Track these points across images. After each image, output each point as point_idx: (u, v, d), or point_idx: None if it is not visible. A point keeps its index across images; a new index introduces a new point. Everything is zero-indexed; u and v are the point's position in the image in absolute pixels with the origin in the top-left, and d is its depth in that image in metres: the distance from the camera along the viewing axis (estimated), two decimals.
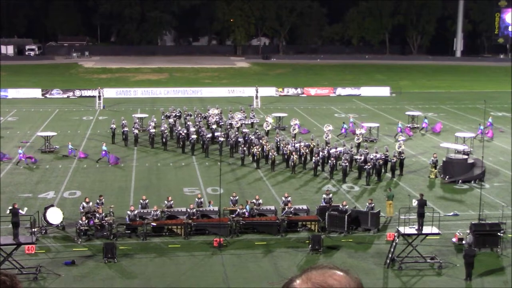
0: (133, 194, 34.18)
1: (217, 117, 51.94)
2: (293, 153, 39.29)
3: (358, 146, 43.25)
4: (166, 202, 30.11)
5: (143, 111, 57.63)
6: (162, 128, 45.98)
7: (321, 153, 39.20)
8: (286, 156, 40.26)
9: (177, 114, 53.26)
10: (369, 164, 37.21)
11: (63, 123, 54.67)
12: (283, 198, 30.93)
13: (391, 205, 30.88)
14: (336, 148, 40.81)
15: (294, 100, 69.00)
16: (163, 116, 52.27)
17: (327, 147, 41.05)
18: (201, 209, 29.78)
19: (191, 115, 52.77)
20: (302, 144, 41.27)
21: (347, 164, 37.41)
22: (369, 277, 24.03)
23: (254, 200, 30.52)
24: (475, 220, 28.34)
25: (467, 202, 33.79)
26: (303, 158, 40.09)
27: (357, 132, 46.03)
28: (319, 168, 38.79)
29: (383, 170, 38.11)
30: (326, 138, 44.75)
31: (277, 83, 79.19)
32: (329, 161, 38.16)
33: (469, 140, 44.89)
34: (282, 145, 42.20)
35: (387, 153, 38.94)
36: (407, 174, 38.75)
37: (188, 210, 29.07)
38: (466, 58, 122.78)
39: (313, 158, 39.09)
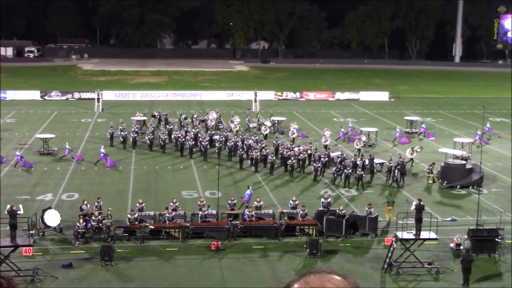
0: (131, 197, 34.16)
1: (216, 120, 52.07)
2: (292, 157, 39.24)
3: (359, 151, 42.88)
4: (171, 204, 30.05)
5: (148, 114, 57.34)
6: (161, 132, 46.05)
7: (322, 159, 39.05)
8: (285, 160, 40.20)
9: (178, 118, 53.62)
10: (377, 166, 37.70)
11: (61, 125, 54.65)
12: (291, 202, 30.91)
13: (390, 210, 30.84)
14: (343, 154, 40.49)
15: (293, 104, 69.04)
16: (162, 119, 52.35)
17: (326, 151, 40.97)
18: (201, 212, 29.52)
19: (186, 118, 52.79)
20: (301, 148, 41.21)
21: (350, 170, 37.17)
22: (366, 282, 24.02)
23: (255, 202, 30.52)
24: (473, 225, 28.35)
25: (465, 207, 33.79)
26: (301, 162, 40.04)
27: (363, 139, 45.91)
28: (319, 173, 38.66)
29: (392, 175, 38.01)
30: (324, 142, 44.75)
31: (276, 87, 79.23)
32: (339, 167, 37.83)
33: (467, 145, 44.97)
34: (281, 148, 42.14)
35: (400, 160, 38.12)
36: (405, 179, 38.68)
37: (167, 214, 28.91)
38: (465, 64, 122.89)
39: (314, 164, 38.84)
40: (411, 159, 41.58)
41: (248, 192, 32.18)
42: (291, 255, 26.82)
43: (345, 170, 37.05)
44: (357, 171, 36.67)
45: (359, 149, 43.27)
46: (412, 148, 42.39)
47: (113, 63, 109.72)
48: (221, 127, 49.99)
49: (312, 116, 61.57)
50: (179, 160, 42.91)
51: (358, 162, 38.04)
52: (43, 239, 27.83)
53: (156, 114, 54.02)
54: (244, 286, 23.69)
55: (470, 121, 58.89)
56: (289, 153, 40.11)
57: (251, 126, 51.85)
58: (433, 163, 39.13)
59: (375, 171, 39.08)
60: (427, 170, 38.68)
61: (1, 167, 40.01)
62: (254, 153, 40.46)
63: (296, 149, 41.09)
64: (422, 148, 43.93)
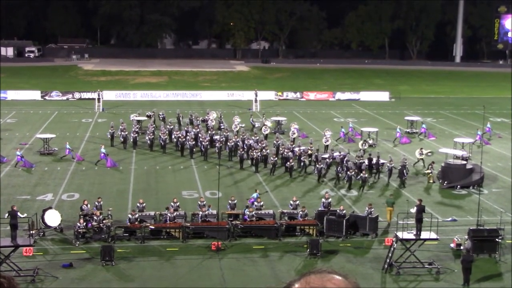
0: (131, 197, 34.15)
1: (218, 120, 52.11)
2: (290, 159, 38.91)
3: (364, 153, 42.52)
4: (172, 204, 30.02)
5: (142, 114, 57.47)
6: (161, 132, 46.06)
7: (327, 160, 38.88)
8: (285, 161, 40.07)
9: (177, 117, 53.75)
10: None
11: (62, 125, 54.66)
12: (291, 202, 30.87)
13: (391, 211, 30.65)
14: (347, 152, 40.30)
15: (293, 104, 69.03)
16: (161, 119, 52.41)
17: (331, 153, 40.68)
18: (201, 213, 29.39)
19: (183, 117, 52.82)
20: (302, 148, 41.14)
21: (352, 172, 36.68)
22: (367, 282, 24.01)
23: (256, 203, 30.50)
24: (473, 225, 28.34)
25: (465, 207, 33.79)
26: (302, 163, 39.94)
27: (369, 142, 45.48)
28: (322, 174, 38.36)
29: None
30: (325, 142, 44.65)
31: (277, 87, 79.24)
32: (342, 167, 37.74)
33: (467, 145, 44.95)
34: (281, 149, 42.03)
35: (405, 161, 38.17)
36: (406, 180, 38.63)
37: (168, 214, 28.84)
38: (466, 64, 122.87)
39: (317, 165, 38.37)
40: (421, 159, 41.39)
41: (254, 195, 32.15)
42: (292, 255, 26.81)
43: (348, 172, 36.76)
44: (361, 174, 36.42)
45: (363, 150, 43.00)
46: (421, 149, 42.08)
47: (113, 63, 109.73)
48: (222, 127, 49.82)
49: (312, 116, 61.57)
50: (179, 160, 42.90)
51: (363, 164, 37.91)
52: (43, 239, 27.83)
53: (151, 114, 53.75)
54: (244, 286, 23.69)
55: (471, 121, 58.87)
56: (289, 153, 40.02)
57: (256, 125, 51.95)
58: (433, 162, 39.13)
59: (380, 170, 38.91)
60: (428, 171, 38.57)
61: (2, 167, 40.02)
62: (254, 153, 40.41)
63: (296, 149, 41.11)
64: (432, 152, 43.42)
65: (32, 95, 70.61)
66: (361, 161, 38.55)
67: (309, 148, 41.44)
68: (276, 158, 39.94)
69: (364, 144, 44.22)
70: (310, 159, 40.64)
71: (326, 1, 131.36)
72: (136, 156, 43.99)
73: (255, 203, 30.68)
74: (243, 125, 51.20)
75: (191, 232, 28.40)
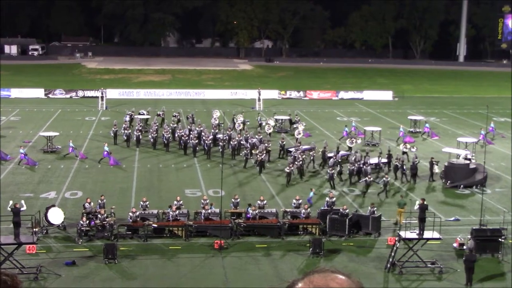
0: (134, 195, 34.19)
1: (221, 118, 52.07)
2: (290, 164, 38.09)
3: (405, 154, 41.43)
4: (175, 202, 30.02)
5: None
6: (164, 130, 46.07)
7: (356, 154, 39.02)
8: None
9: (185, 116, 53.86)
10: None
11: (65, 123, 54.73)
12: (294, 201, 30.83)
13: (401, 213, 30.02)
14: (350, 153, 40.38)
15: (296, 103, 68.98)
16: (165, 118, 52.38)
17: (354, 155, 40.21)
18: (204, 211, 29.39)
19: (164, 115, 52.97)
20: (315, 148, 41.23)
21: (371, 178, 35.71)
22: (369, 281, 23.99)
23: (258, 201, 30.49)
24: (476, 225, 28.32)
25: (468, 207, 33.76)
26: (306, 164, 39.81)
27: (408, 146, 42.76)
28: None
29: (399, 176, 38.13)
30: (350, 144, 43.97)
31: (280, 86, 79.22)
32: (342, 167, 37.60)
33: (471, 145, 44.88)
34: (292, 152, 41.63)
35: (416, 159, 38.05)
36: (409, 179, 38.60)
37: (171, 212, 28.81)
38: (469, 63, 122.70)
39: (328, 170, 37.30)
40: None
41: (311, 194, 32.52)
42: (294, 254, 26.81)
43: (367, 178, 35.53)
44: (384, 177, 35.33)
45: (405, 152, 41.51)
46: (466, 154, 41.01)
47: (117, 62, 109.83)
48: (230, 126, 48.74)
49: (315, 115, 61.53)
50: (182, 159, 42.93)
51: (398, 165, 38.02)
52: (46, 237, 27.88)
53: (130, 112, 53.71)
54: (247, 285, 23.70)
55: (474, 121, 58.79)
56: (292, 156, 39.50)
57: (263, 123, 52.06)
58: (432, 158, 38.99)
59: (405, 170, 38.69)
60: (435, 166, 38.31)
61: (5, 165, 40.06)
62: (258, 156, 39.97)
63: (301, 148, 41.19)
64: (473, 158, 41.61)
65: (36, 93, 70.72)
66: (398, 163, 38.31)
67: (324, 148, 41.13)
68: (292, 168, 37.79)
69: (405, 148, 42.21)
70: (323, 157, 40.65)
71: (330, 1, 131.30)
72: (139, 154, 44.03)
73: (258, 201, 30.61)
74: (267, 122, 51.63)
75: (194, 230, 28.42)
